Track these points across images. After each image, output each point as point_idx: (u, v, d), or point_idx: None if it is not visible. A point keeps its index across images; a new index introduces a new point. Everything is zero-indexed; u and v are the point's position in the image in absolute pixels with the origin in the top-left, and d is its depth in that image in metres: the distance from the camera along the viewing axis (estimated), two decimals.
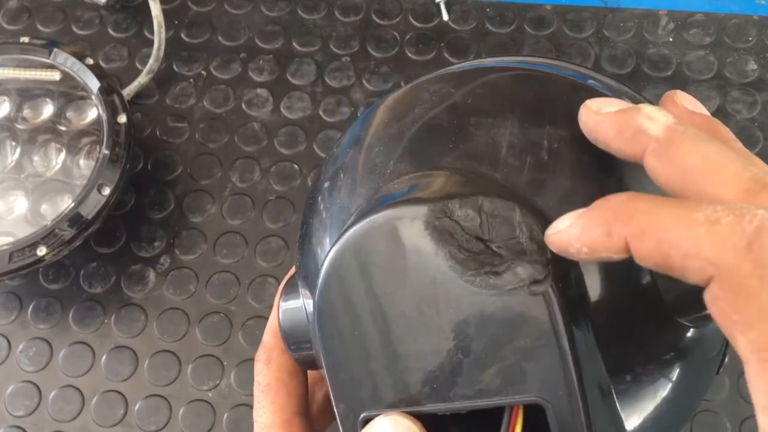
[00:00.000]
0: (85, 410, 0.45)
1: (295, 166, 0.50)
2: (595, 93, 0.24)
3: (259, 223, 0.49)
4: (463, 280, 0.20)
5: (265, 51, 0.54)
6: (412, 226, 0.20)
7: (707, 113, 0.22)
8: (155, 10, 0.52)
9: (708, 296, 0.17)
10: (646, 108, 0.20)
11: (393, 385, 0.21)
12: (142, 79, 0.52)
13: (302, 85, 0.53)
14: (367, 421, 0.21)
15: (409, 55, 0.53)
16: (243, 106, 0.53)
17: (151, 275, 0.48)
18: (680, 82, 0.51)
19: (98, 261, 0.49)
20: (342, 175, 0.25)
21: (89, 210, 0.44)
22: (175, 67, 0.54)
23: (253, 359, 0.30)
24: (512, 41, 0.53)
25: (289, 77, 0.53)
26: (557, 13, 0.54)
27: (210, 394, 0.45)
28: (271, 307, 0.35)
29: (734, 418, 0.42)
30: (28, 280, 0.48)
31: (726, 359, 0.25)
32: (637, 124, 0.20)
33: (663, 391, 0.23)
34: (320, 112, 0.52)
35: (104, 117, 0.46)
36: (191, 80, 0.54)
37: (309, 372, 0.30)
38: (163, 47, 0.52)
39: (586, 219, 0.18)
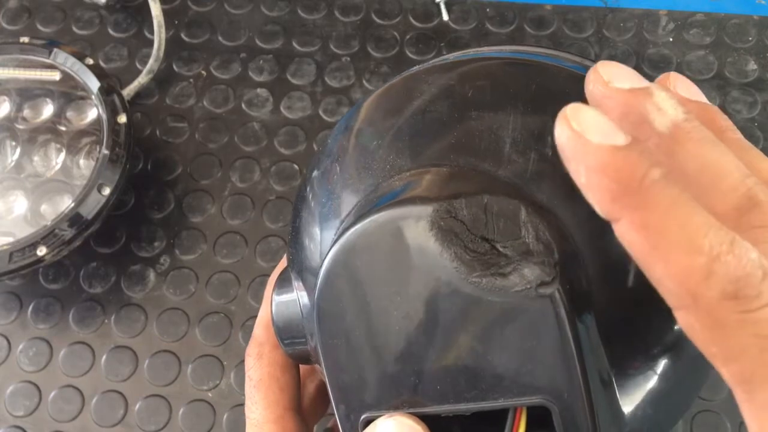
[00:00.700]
0: (85, 410, 0.45)
1: (295, 166, 0.50)
2: None
3: (259, 223, 0.49)
4: (469, 282, 0.19)
5: (265, 51, 0.54)
6: (417, 226, 0.20)
7: (704, 99, 0.21)
8: (155, 10, 0.52)
9: (682, 321, 0.17)
10: (658, 94, 0.18)
11: (395, 386, 0.21)
12: (142, 79, 0.52)
13: (302, 85, 0.53)
14: (368, 423, 0.21)
15: (409, 55, 0.53)
16: (243, 106, 0.53)
17: (151, 275, 0.48)
18: None
19: (98, 261, 0.49)
20: (338, 168, 0.25)
21: (89, 210, 0.44)
22: (175, 67, 0.54)
23: None
24: (512, 41, 0.53)
25: (289, 77, 0.53)
26: (557, 13, 0.54)
27: (210, 394, 0.45)
28: None
29: (734, 418, 0.42)
30: (28, 280, 0.48)
31: None
32: (645, 111, 0.18)
33: (660, 384, 0.22)
34: (320, 112, 0.52)
35: (104, 117, 0.46)
36: (191, 80, 0.54)
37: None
38: (163, 47, 0.52)
39: (614, 163, 0.16)
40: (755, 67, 0.51)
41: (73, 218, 0.44)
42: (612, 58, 0.52)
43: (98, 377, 0.46)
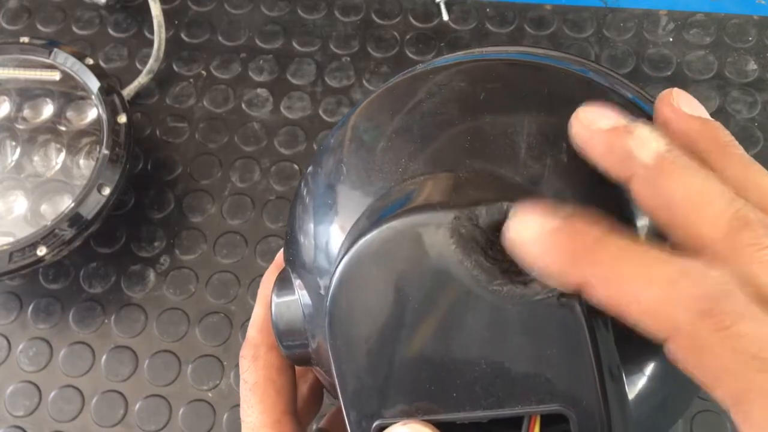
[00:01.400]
0: (85, 410, 0.45)
1: (295, 166, 0.50)
2: (604, 91, 0.24)
3: (259, 223, 0.49)
4: (490, 290, 0.19)
5: (265, 51, 0.54)
6: (437, 233, 0.19)
7: (706, 114, 0.21)
8: (155, 10, 0.52)
9: (669, 352, 0.17)
10: (639, 129, 0.19)
11: (410, 392, 0.20)
12: (142, 79, 0.52)
13: (302, 85, 0.53)
14: (381, 429, 0.21)
15: (409, 55, 0.53)
16: (243, 106, 0.53)
17: (151, 275, 0.48)
18: (680, 82, 0.51)
19: (98, 261, 0.49)
20: (345, 169, 0.24)
21: (89, 210, 0.44)
22: (175, 67, 0.54)
23: None
24: (512, 41, 0.53)
25: (289, 77, 0.53)
26: (557, 13, 0.54)
27: (210, 394, 0.45)
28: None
29: None
30: (28, 280, 0.48)
31: None
32: (628, 147, 0.19)
33: (660, 384, 0.22)
34: (320, 112, 0.52)
35: (104, 117, 0.46)
36: (191, 80, 0.54)
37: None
38: (163, 47, 0.52)
39: (553, 242, 0.18)
40: (755, 67, 0.51)
41: (73, 218, 0.44)
42: (612, 58, 0.52)
43: (98, 377, 0.46)
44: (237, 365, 0.45)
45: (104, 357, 0.46)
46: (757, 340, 0.16)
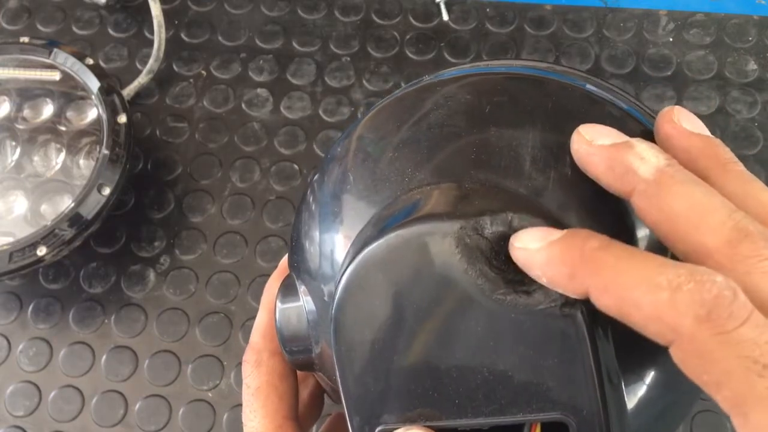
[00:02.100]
0: (85, 410, 0.45)
1: (295, 166, 0.50)
2: (606, 105, 0.24)
3: (259, 223, 0.49)
4: (493, 299, 0.20)
5: (265, 51, 0.54)
6: (443, 242, 0.20)
7: (706, 131, 0.22)
8: (155, 10, 0.52)
9: (674, 356, 0.17)
10: (639, 146, 0.20)
11: (413, 398, 0.21)
12: (142, 79, 0.52)
13: (302, 85, 0.53)
14: None
15: (409, 55, 0.53)
16: (243, 106, 0.53)
17: (151, 275, 0.48)
18: (680, 82, 0.51)
19: (98, 261, 0.49)
20: (351, 178, 0.24)
21: (89, 210, 0.44)
22: (175, 67, 0.54)
23: None
24: (512, 41, 0.53)
25: (289, 77, 0.53)
26: (557, 13, 0.54)
27: (210, 394, 0.45)
28: None
29: None
30: (28, 280, 0.48)
31: None
32: (628, 162, 0.20)
33: (661, 391, 0.23)
34: (320, 112, 0.52)
35: (104, 117, 0.46)
36: (191, 80, 0.54)
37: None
38: (163, 47, 0.52)
39: (555, 252, 0.19)
40: (755, 67, 0.51)
41: (73, 218, 0.44)
42: (612, 58, 0.52)
43: (98, 377, 0.46)
44: (237, 365, 0.45)
45: (104, 357, 0.46)
46: (758, 345, 0.16)
